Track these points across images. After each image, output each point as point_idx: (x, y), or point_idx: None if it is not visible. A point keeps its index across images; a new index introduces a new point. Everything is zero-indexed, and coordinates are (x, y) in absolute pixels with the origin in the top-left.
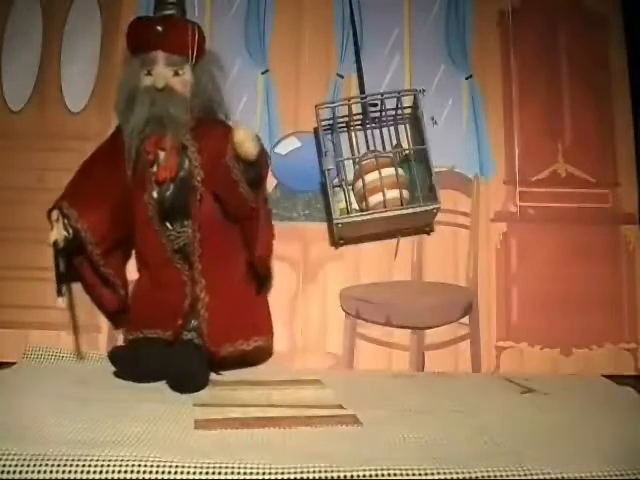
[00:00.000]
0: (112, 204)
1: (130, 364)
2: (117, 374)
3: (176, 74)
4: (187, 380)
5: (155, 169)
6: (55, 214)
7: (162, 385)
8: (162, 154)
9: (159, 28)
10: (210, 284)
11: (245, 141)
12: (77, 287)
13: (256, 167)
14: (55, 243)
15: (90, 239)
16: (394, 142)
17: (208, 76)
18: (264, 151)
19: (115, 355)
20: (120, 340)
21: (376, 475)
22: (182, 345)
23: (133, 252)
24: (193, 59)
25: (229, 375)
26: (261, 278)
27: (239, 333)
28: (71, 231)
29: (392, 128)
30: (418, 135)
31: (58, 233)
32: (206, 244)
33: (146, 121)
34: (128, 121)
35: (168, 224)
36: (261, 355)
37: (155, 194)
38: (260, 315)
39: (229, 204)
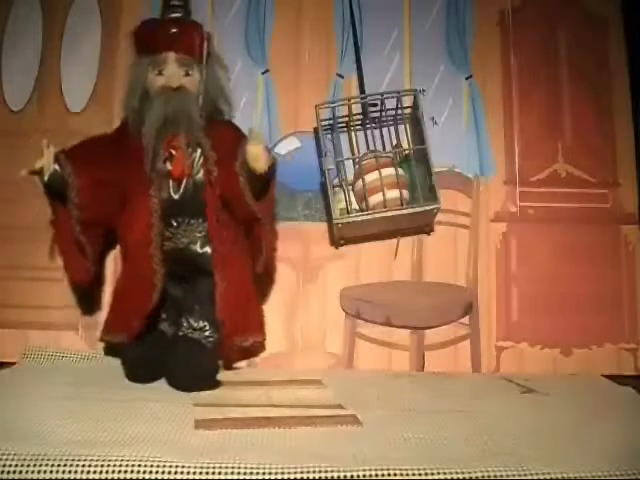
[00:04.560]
0: (104, 184)
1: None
2: (129, 377)
3: (187, 74)
4: (199, 378)
5: (169, 166)
6: (47, 144)
7: (162, 385)
8: (176, 152)
9: (174, 30)
10: (227, 279)
11: (259, 156)
12: None
13: (262, 180)
14: (41, 172)
15: (75, 199)
16: (394, 142)
17: (213, 76)
18: (274, 164)
19: (126, 358)
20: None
21: (376, 475)
22: (188, 343)
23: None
24: (204, 60)
25: (228, 375)
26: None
27: (246, 329)
28: (59, 170)
29: (392, 128)
30: (418, 135)
31: (47, 160)
32: (217, 241)
33: (163, 120)
34: (141, 120)
35: (174, 222)
36: (256, 353)
37: (170, 191)
38: (260, 314)
39: (234, 209)
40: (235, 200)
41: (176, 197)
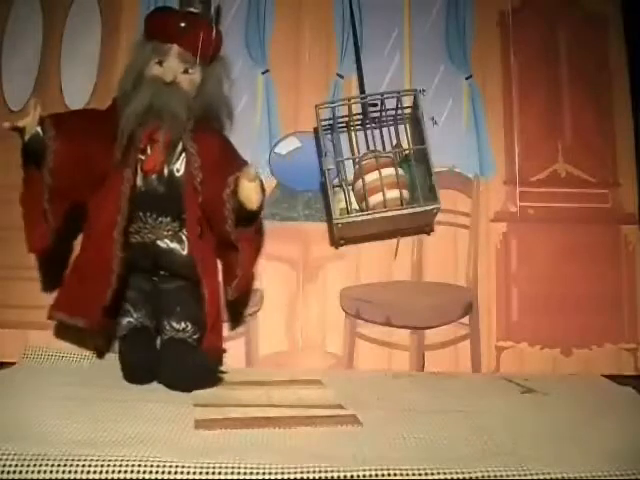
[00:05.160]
0: (83, 156)
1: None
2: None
3: (186, 72)
4: (196, 376)
5: (143, 158)
6: (35, 104)
7: (162, 385)
8: (154, 146)
9: (182, 24)
10: (210, 286)
11: (252, 195)
12: None
13: (249, 214)
14: (23, 130)
15: (50, 164)
16: (394, 142)
17: (216, 81)
18: (263, 202)
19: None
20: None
21: (376, 475)
22: (177, 344)
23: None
24: (209, 61)
25: (229, 375)
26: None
27: (217, 338)
28: (40, 133)
29: (392, 128)
30: (418, 135)
31: (31, 120)
32: (197, 247)
33: (145, 109)
34: (128, 104)
35: (141, 214)
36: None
37: (140, 182)
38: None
39: (214, 228)
40: (216, 223)
41: (151, 191)
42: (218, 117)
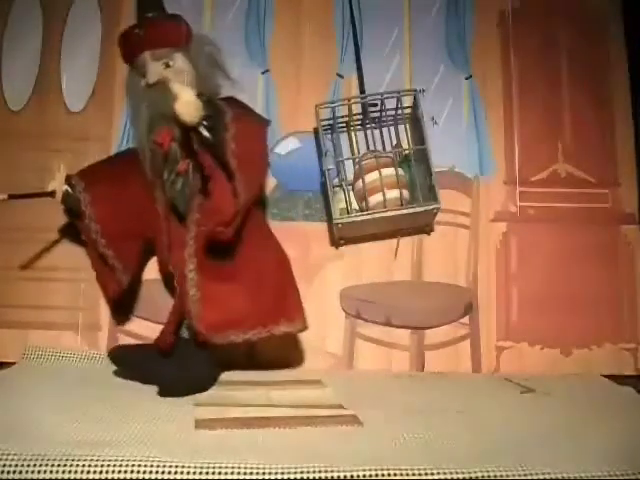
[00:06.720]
0: (122, 197)
1: (129, 365)
2: (117, 373)
3: (167, 66)
4: (180, 386)
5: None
6: (59, 167)
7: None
8: (174, 145)
9: (136, 31)
10: (205, 267)
11: (191, 104)
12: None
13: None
14: (54, 193)
15: (90, 213)
16: (394, 142)
17: (205, 59)
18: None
19: (115, 355)
20: (121, 339)
21: (376, 475)
22: (181, 345)
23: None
24: (184, 43)
25: (229, 375)
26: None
27: (257, 320)
28: (70, 190)
29: (392, 128)
30: (418, 135)
31: (58, 182)
32: None
33: (149, 121)
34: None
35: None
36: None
37: (178, 186)
38: (286, 301)
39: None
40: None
41: (182, 190)
42: (218, 85)
